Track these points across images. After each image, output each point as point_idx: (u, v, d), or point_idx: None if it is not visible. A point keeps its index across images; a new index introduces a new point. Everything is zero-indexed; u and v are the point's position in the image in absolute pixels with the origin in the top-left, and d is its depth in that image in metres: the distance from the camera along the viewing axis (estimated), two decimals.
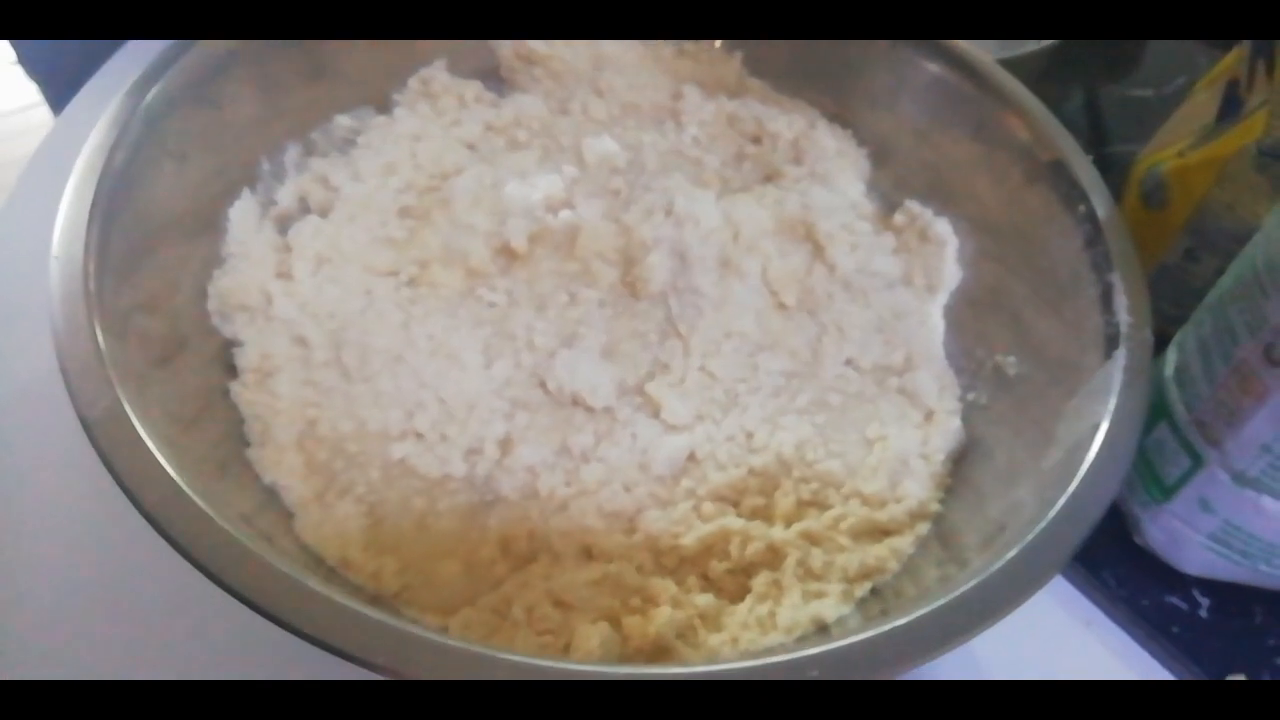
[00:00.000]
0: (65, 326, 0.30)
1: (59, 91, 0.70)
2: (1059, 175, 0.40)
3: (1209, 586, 0.41)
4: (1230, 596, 0.40)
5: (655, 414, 0.39)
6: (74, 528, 0.39)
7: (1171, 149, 0.48)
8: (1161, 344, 0.39)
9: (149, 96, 0.36)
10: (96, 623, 0.36)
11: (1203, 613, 0.40)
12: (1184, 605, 0.40)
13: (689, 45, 0.49)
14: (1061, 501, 0.29)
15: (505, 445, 0.37)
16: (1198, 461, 0.37)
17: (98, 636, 0.36)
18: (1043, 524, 0.29)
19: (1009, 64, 0.45)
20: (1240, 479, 0.36)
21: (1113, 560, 0.41)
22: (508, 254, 0.42)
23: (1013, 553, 0.28)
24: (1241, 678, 0.38)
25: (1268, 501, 0.36)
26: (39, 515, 0.39)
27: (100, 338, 0.31)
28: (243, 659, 0.35)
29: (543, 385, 0.39)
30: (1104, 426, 0.31)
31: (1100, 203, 0.38)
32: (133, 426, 0.28)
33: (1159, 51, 0.67)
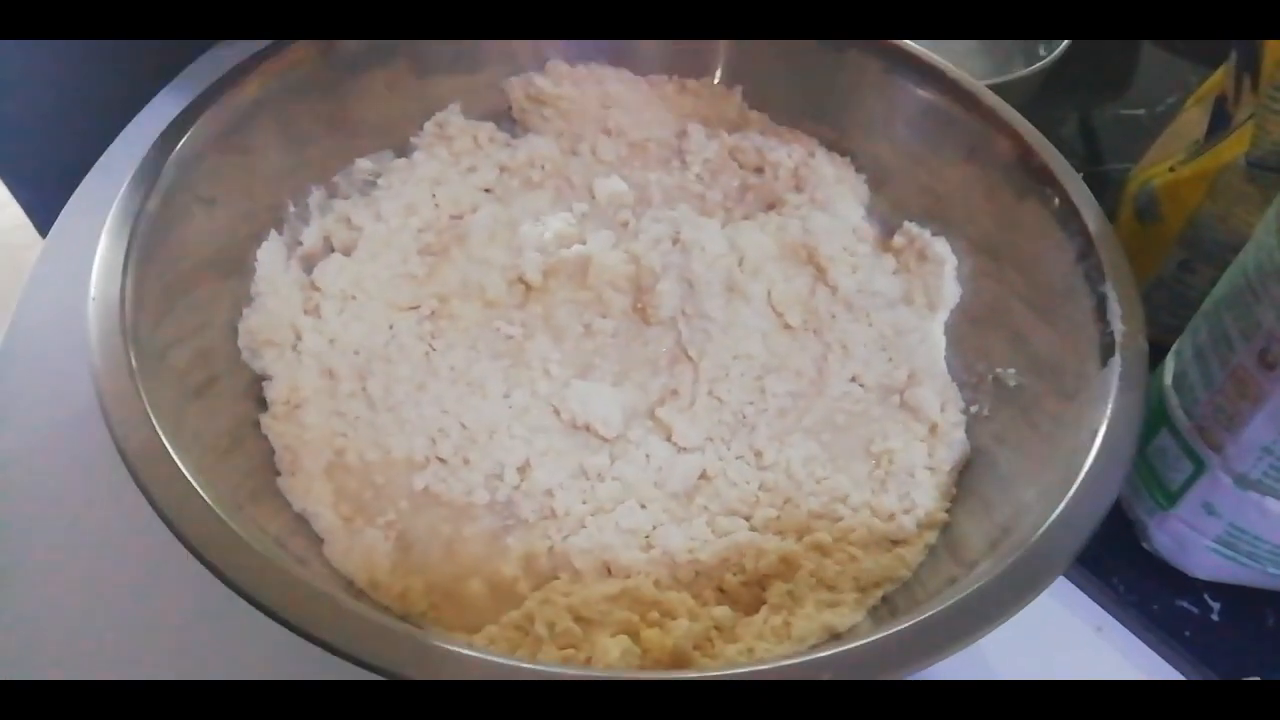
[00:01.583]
0: (103, 364, 0.32)
1: (30, 192, 0.71)
2: (1050, 192, 0.41)
3: (1220, 590, 0.41)
4: (1241, 600, 0.41)
5: (667, 437, 0.40)
6: (102, 544, 0.40)
7: (1163, 164, 0.49)
8: (1160, 354, 0.40)
9: (179, 146, 0.38)
10: (121, 629, 0.38)
11: (1214, 616, 0.41)
12: (1195, 609, 0.41)
13: (691, 82, 0.52)
14: (1063, 504, 0.30)
15: (524, 470, 0.39)
16: (1200, 466, 0.38)
17: (123, 643, 0.37)
18: (1045, 526, 0.30)
19: (1000, 88, 0.46)
20: (1243, 482, 0.37)
21: (1122, 566, 0.42)
22: (523, 286, 0.43)
23: (1017, 555, 0.29)
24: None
25: (1271, 503, 0.36)
26: (71, 538, 0.41)
27: (136, 374, 0.32)
28: (258, 661, 0.36)
29: (558, 413, 0.41)
30: (1102, 431, 0.32)
31: (1091, 217, 0.39)
32: (169, 456, 0.30)
33: (1150, 71, 0.68)
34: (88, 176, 0.53)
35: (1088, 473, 0.31)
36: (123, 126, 0.55)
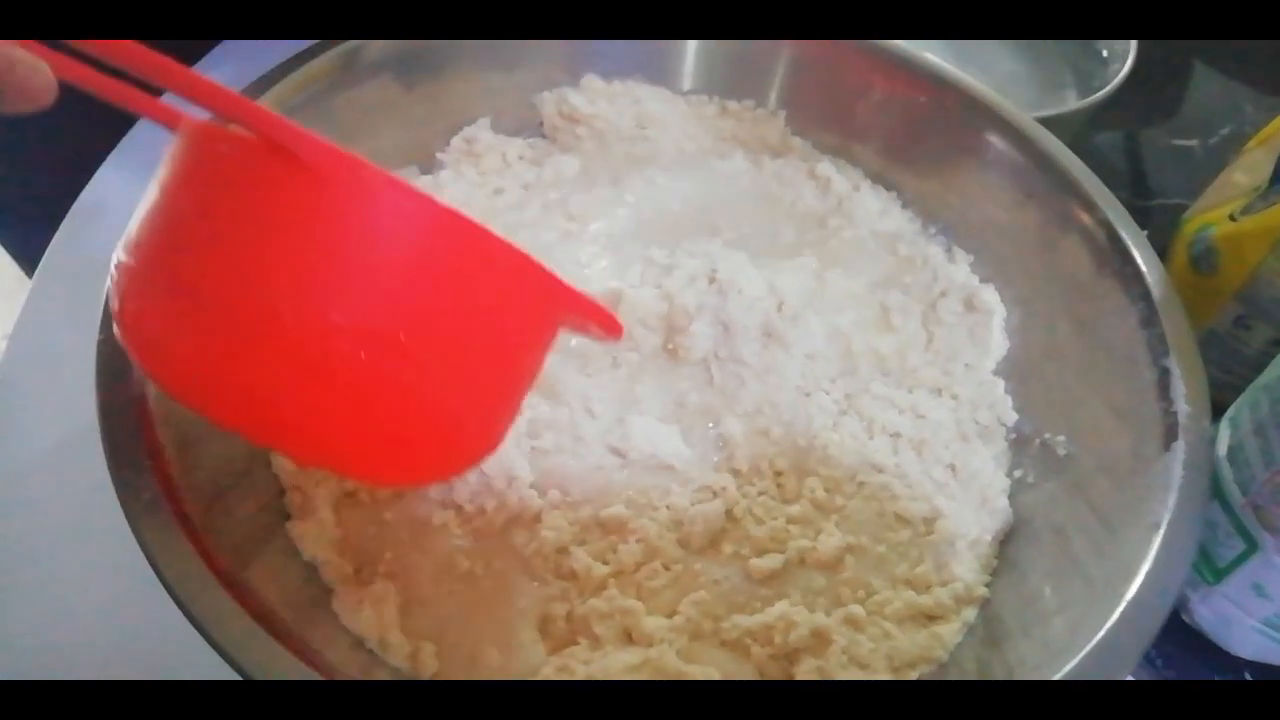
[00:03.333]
0: (109, 407, 0.30)
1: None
2: (1113, 250, 0.39)
3: (1260, 669, 0.40)
4: None
5: (699, 484, 0.39)
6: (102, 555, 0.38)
7: (1222, 210, 0.47)
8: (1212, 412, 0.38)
9: None
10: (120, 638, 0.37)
11: None
12: None
13: (733, 104, 0.49)
14: (1121, 607, 0.29)
15: (539, 521, 0.37)
16: (1252, 546, 0.36)
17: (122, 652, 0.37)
18: (1101, 633, 0.28)
19: (1050, 122, 0.44)
20: None
21: (1160, 638, 0.40)
22: None
23: (1072, 663, 0.27)
24: None
25: None
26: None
27: (143, 414, 0.31)
28: None
29: (619, 452, 0.39)
30: (1164, 526, 0.30)
31: (1155, 281, 0.37)
32: (174, 521, 0.28)
33: (1203, 99, 0.65)
34: (75, 205, 0.51)
35: (1149, 573, 0.29)
36: (103, 156, 0.53)
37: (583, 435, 0.39)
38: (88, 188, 0.52)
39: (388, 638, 0.33)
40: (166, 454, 0.31)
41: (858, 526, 0.37)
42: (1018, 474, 0.40)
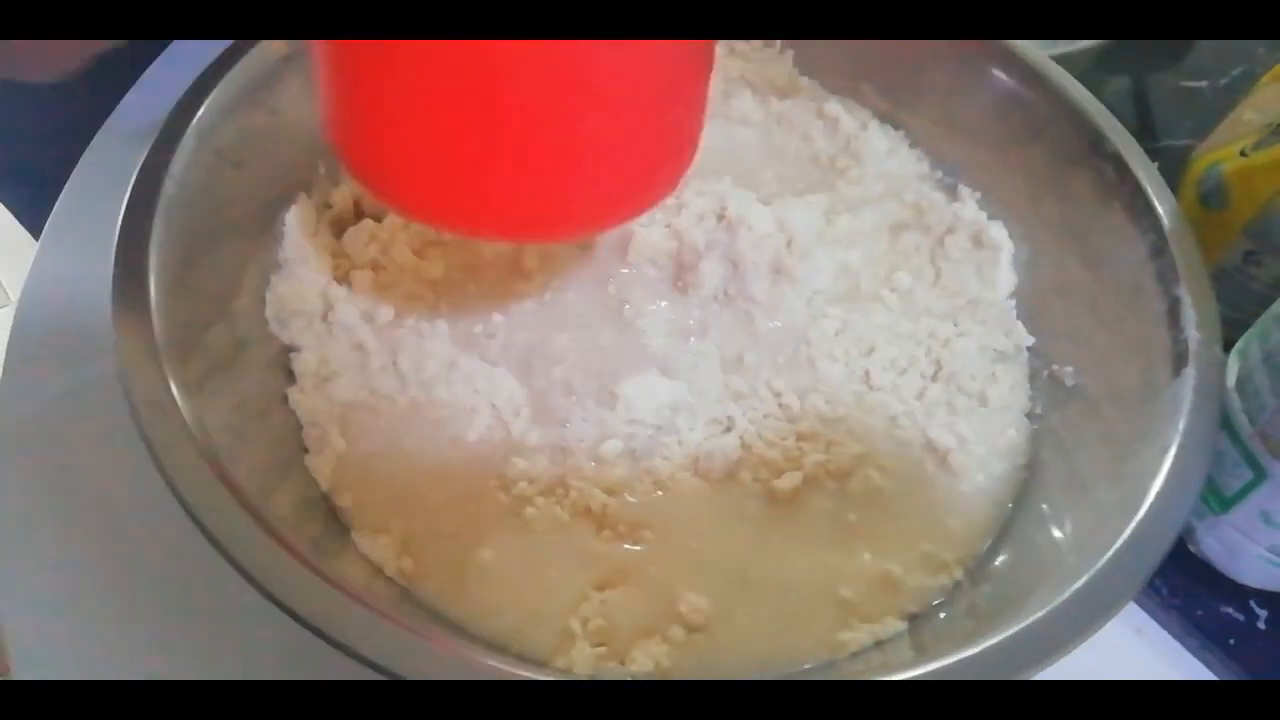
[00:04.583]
0: (127, 346, 0.31)
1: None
2: (1122, 182, 0.39)
3: (1267, 597, 0.40)
4: None
5: (711, 424, 0.39)
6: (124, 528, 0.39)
7: (1233, 147, 0.46)
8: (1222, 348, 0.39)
9: (205, 105, 0.36)
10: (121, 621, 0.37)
11: (1260, 624, 0.40)
12: (1241, 616, 0.40)
13: (739, 44, 0.49)
14: (1129, 530, 0.29)
15: (555, 454, 0.37)
16: (1260, 474, 0.37)
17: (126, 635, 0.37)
18: (1108, 554, 0.29)
19: (1062, 59, 0.44)
20: None
21: (1166, 567, 0.40)
22: (559, 257, 0.41)
23: (1078, 584, 0.28)
24: None
25: None
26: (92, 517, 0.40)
27: (161, 352, 0.31)
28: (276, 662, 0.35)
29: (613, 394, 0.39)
30: (1173, 451, 0.31)
31: (1166, 212, 0.37)
32: (194, 443, 0.29)
33: (1212, 42, 0.65)
34: (77, 167, 0.51)
35: (1156, 496, 0.30)
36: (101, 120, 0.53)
37: (575, 369, 0.39)
38: (88, 152, 0.52)
39: (403, 567, 0.34)
40: (186, 393, 0.31)
41: (864, 434, 0.38)
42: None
